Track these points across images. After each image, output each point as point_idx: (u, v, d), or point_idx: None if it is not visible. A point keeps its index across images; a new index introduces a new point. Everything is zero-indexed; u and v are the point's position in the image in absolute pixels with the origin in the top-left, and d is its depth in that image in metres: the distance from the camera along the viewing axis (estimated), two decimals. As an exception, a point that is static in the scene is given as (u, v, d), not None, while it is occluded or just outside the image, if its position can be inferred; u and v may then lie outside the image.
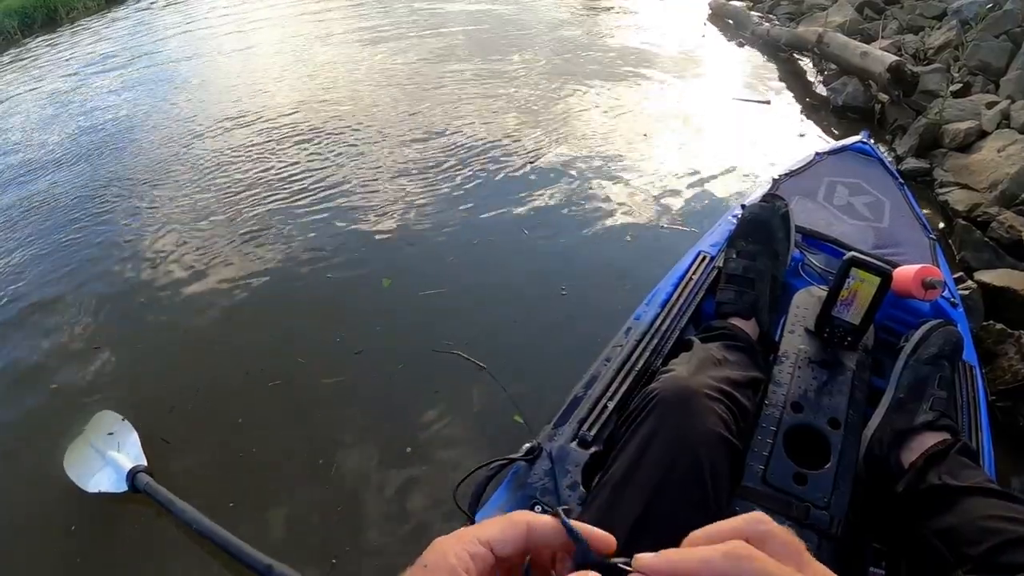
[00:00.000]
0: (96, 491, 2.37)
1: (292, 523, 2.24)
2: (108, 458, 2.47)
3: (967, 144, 3.64)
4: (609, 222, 3.51)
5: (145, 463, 2.42)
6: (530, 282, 3.17)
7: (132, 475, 2.34)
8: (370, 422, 2.57)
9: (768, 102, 5.03)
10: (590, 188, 3.83)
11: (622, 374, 1.39)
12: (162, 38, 9.34)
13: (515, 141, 4.45)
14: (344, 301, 3.22)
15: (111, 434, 2.60)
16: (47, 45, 10.25)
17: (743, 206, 1.81)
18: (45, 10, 11.93)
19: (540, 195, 3.80)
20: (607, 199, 3.72)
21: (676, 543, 1.02)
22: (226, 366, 2.96)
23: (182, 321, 3.29)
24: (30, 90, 7.91)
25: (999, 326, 2.36)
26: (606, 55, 6.06)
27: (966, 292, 2.54)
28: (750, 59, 5.97)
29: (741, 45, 6.32)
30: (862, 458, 1.24)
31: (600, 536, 0.47)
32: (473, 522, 1.16)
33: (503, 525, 0.45)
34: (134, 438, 2.55)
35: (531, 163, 4.14)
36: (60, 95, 7.44)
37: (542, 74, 5.68)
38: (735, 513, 1.08)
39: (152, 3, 11.89)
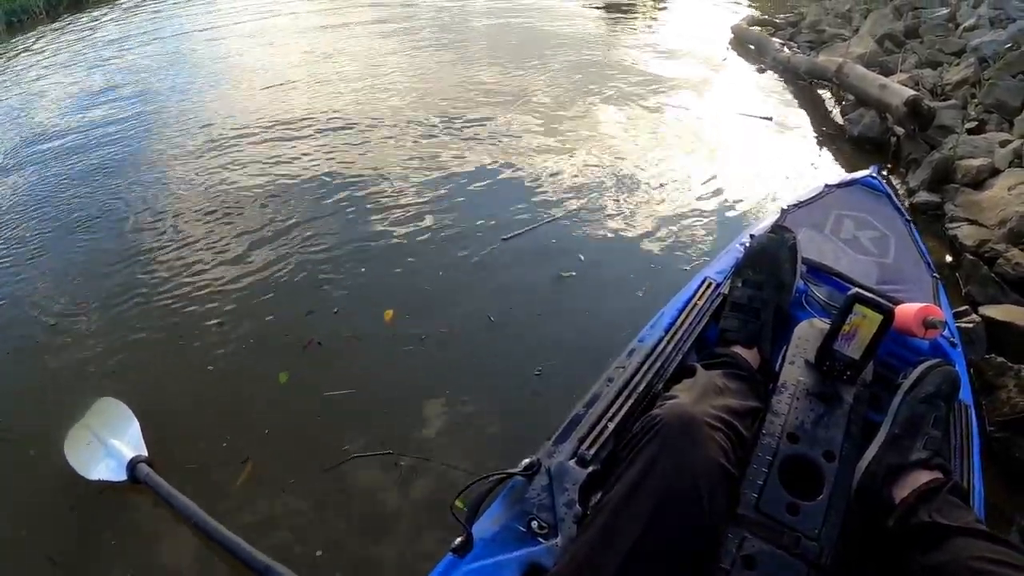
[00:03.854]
0: (96, 479, 2.37)
1: (289, 520, 2.24)
2: (109, 446, 2.47)
3: (979, 181, 3.65)
4: (616, 239, 3.54)
5: (146, 453, 2.43)
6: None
7: (132, 465, 2.34)
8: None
9: (770, 118, 5.07)
10: (599, 205, 3.86)
11: (623, 395, 1.40)
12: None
13: (531, 158, 4.48)
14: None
15: (112, 422, 2.60)
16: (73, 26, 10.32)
17: (752, 235, 1.83)
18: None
19: (546, 210, 3.83)
20: (615, 217, 3.74)
21: (672, 568, 1.05)
22: (232, 360, 2.99)
23: (187, 314, 3.32)
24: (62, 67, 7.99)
25: (1000, 359, 2.39)
26: (624, 75, 6.07)
27: (970, 325, 2.58)
28: (769, 85, 5.99)
29: (761, 71, 6.33)
30: (854, 491, 1.25)
31: None
32: (470, 535, 1.18)
33: None
34: (135, 427, 2.55)
35: (537, 180, 4.19)
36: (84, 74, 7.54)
37: (559, 92, 5.69)
38: (728, 540, 1.11)
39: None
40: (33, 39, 10.13)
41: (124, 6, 11.43)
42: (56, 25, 10.93)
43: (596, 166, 4.31)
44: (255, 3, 10.29)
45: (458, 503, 1.22)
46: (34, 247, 4.30)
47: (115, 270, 3.79)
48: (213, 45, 8.51)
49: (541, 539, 1.18)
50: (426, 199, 4.02)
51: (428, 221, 3.78)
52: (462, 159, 4.49)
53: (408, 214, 3.86)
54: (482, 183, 4.16)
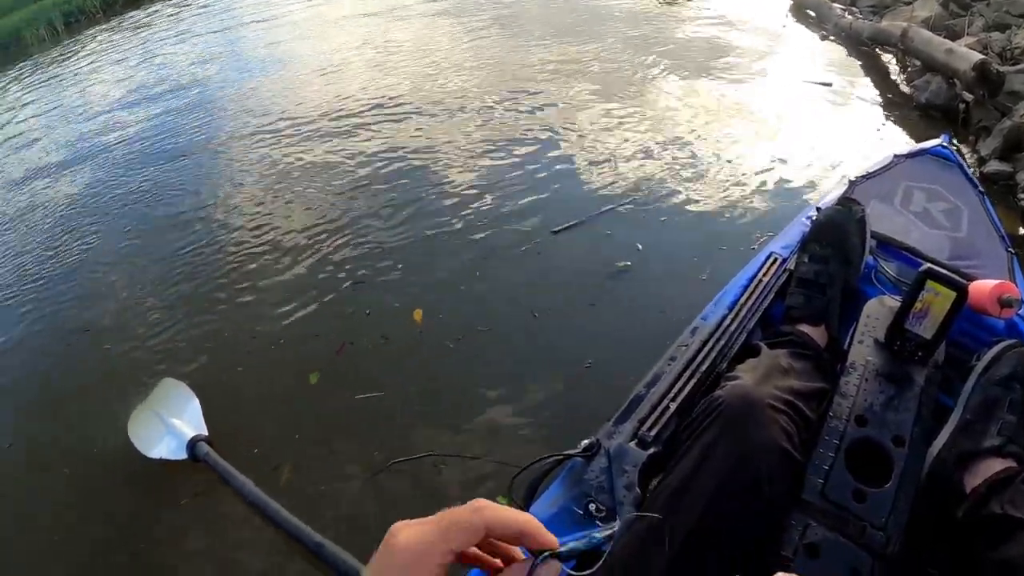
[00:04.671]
0: (157, 457, 2.45)
1: (345, 504, 2.27)
2: (170, 425, 2.55)
3: (1053, 149, 3.47)
4: (678, 214, 3.45)
5: (206, 432, 2.50)
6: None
7: (192, 444, 2.42)
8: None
9: (830, 84, 4.91)
10: (658, 188, 3.74)
11: (686, 375, 1.36)
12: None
13: (585, 141, 4.38)
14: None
15: (174, 402, 2.68)
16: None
17: (818, 208, 1.76)
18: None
19: (607, 184, 3.76)
20: (676, 190, 3.65)
21: (731, 554, 1.01)
22: (289, 348, 3.05)
23: (251, 300, 3.41)
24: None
25: None
26: (681, 47, 5.92)
27: None
28: (831, 52, 5.79)
29: (823, 38, 6.13)
30: (923, 479, 1.19)
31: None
32: None
33: (467, 532, 0.47)
34: (196, 407, 2.62)
35: (592, 165, 4.07)
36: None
37: (614, 69, 5.59)
38: (791, 527, 1.07)
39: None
40: (92, 37, 10.39)
41: (175, 1, 11.59)
42: (113, 23, 11.18)
43: (653, 146, 4.19)
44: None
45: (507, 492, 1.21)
46: (97, 232, 4.44)
47: (174, 257, 3.95)
48: (267, 32, 8.64)
49: (599, 523, 1.15)
50: (472, 189, 3.96)
51: (474, 213, 3.72)
52: (512, 144, 4.42)
53: (453, 205, 3.83)
54: (533, 169, 4.08)
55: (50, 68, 11.10)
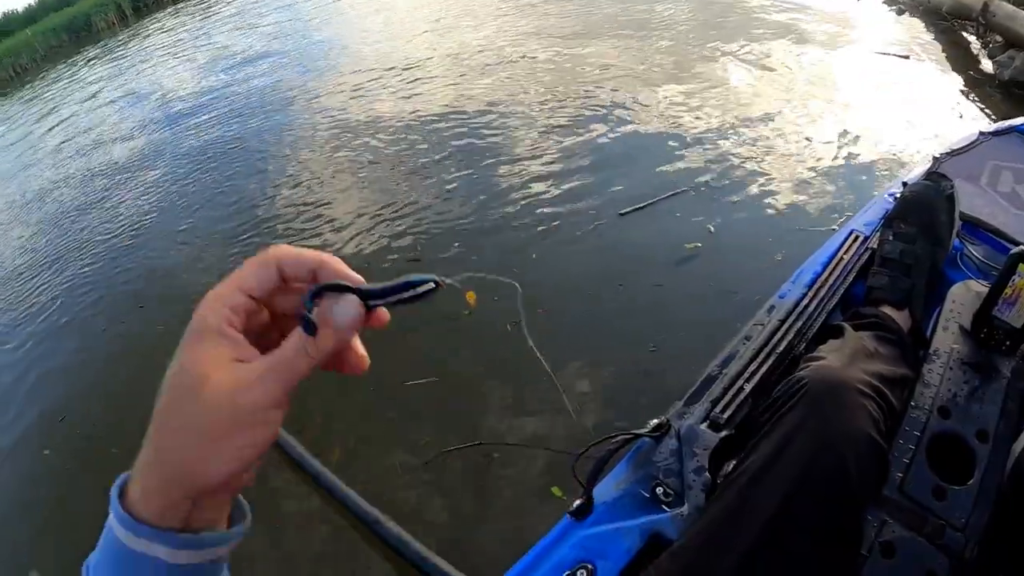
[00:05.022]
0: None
1: (395, 493, 2.23)
2: None
3: None
4: (751, 194, 3.34)
5: None
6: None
7: None
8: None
9: (907, 56, 4.73)
10: (731, 168, 3.62)
11: (762, 355, 1.32)
12: None
13: (654, 120, 4.27)
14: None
15: None
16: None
17: (904, 183, 1.68)
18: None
19: (677, 164, 3.66)
20: (749, 170, 3.54)
21: (810, 551, 0.96)
22: None
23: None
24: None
25: None
26: (753, 21, 5.77)
27: None
28: (908, 26, 5.59)
29: (901, 12, 5.91)
30: (1007, 477, 1.11)
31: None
32: (590, 498, 1.13)
33: (255, 268, 0.46)
34: None
35: (661, 144, 3.95)
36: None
37: (686, 36, 5.50)
38: (867, 522, 1.01)
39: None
40: (160, 20, 10.61)
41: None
42: (180, 5, 11.35)
43: (725, 123, 4.07)
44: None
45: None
46: (175, 197, 4.59)
47: (245, 229, 4.09)
48: (331, 8, 8.63)
49: (666, 507, 1.12)
50: (536, 166, 3.88)
51: (536, 192, 3.65)
52: (579, 121, 4.33)
53: (515, 182, 3.77)
54: (600, 146, 3.98)
55: (120, 50, 11.42)
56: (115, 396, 3.10)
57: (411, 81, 5.49)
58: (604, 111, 4.36)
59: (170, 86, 8.30)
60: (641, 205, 3.30)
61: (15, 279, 4.83)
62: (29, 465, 2.95)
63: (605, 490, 1.16)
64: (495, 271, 2.93)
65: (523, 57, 5.47)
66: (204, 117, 6.65)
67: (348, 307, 0.45)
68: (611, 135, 4.04)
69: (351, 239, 3.57)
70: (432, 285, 0.50)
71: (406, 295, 0.48)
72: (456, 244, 3.32)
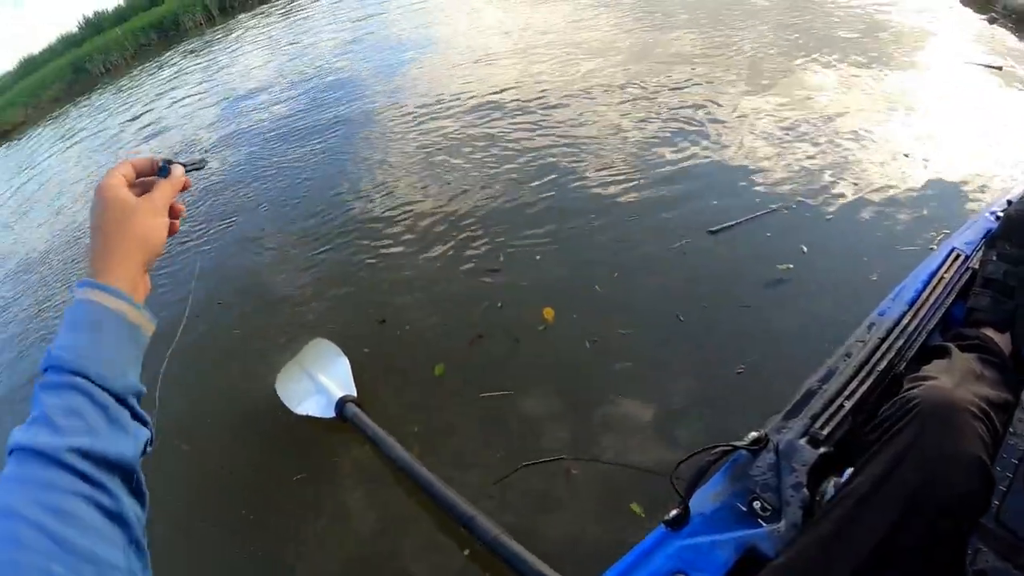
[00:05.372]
0: (304, 414, 2.53)
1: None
2: (319, 384, 2.62)
3: None
4: (845, 212, 3.18)
5: (355, 393, 2.53)
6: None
7: (341, 404, 2.45)
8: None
9: (1000, 67, 4.57)
10: (824, 185, 3.45)
11: (862, 373, 1.30)
12: None
13: (743, 133, 4.08)
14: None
15: (324, 361, 2.74)
16: None
17: (1009, 202, 1.64)
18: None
19: (768, 181, 3.52)
20: (842, 187, 3.38)
21: (921, 566, 0.94)
22: (422, 333, 3.01)
23: (391, 276, 3.46)
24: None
25: None
26: (838, 29, 5.56)
27: None
28: (1001, 36, 5.41)
29: (992, 21, 5.73)
30: None
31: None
32: (687, 508, 1.14)
33: (125, 167, 0.76)
34: (346, 367, 2.66)
35: (751, 160, 3.76)
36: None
37: (769, 46, 5.37)
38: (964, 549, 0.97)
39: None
40: (245, 22, 10.93)
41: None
42: (265, 8, 11.64)
43: (816, 138, 3.88)
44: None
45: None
46: (260, 195, 4.72)
47: (327, 228, 4.12)
48: (412, 15, 8.75)
49: (763, 521, 1.11)
50: (620, 180, 3.75)
51: (619, 207, 3.51)
52: (664, 133, 4.19)
53: (598, 196, 3.66)
54: (687, 161, 3.83)
55: (209, 50, 11.80)
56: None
57: (496, 92, 5.48)
58: (689, 123, 4.25)
59: (254, 85, 8.53)
60: (731, 224, 3.15)
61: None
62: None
63: (701, 501, 1.17)
64: (577, 287, 2.96)
65: (606, 73, 5.40)
66: (288, 116, 6.81)
67: (178, 168, 0.80)
68: (698, 148, 3.92)
69: (434, 243, 3.58)
70: (205, 165, 0.91)
71: (193, 167, 0.85)
72: (538, 257, 3.25)
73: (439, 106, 5.46)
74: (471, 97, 5.47)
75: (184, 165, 0.82)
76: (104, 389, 0.63)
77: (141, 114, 10.13)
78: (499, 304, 2.98)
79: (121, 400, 0.64)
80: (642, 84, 4.95)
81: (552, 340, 2.72)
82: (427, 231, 3.68)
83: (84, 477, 0.57)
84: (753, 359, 2.41)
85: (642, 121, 4.36)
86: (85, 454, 0.58)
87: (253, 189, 5.16)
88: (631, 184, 3.65)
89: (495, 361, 2.70)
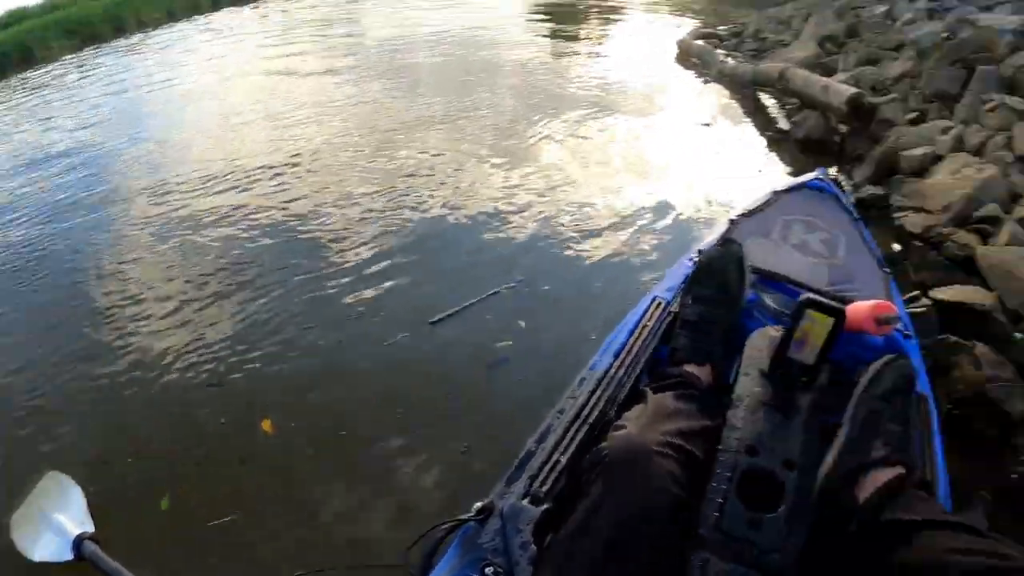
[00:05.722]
0: (40, 559, 2.25)
1: None
2: (53, 523, 2.33)
3: (923, 169, 3.71)
4: (564, 280, 3.35)
5: (92, 529, 2.29)
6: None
7: (78, 542, 2.22)
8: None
9: (708, 124, 5.13)
10: (544, 255, 3.61)
11: (575, 426, 1.35)
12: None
13: (471, 207, 4.21)
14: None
15: (56, 497, 2.46)
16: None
17: (699, 251, 1.80)
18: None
19: (489, 261, 3.60)
20: (562, 262, 3.53)
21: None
22: (177, 428, 2.84)
23: (131, 381, 3.20)
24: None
25: (954, 339, 2.45)
26: (570, 98, 6.06)
27: (922, 310, 2.61)
28: (715, 95, 6.04)
29: (707, 82, 6.39)
30: (815, 498, 1.20)
31: None
32: None
33: None
34: (80, 501, 2.42)
35: (478, 237, 3.87)
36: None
37: (502, 114, 5.69)
38: (692, 566, 1.06)
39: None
40: None
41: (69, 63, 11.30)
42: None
43: (538, 206, 4.07)
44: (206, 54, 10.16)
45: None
46: None
47: (59, 331, 3.70)
48: (151, 95, 8.42)
49: None
50: (336, 271, 3.65)
51: (334, 302, 3.41)
52: (387, 215, 4.18)
53: (312, 292, 3.51)
54: (408, 246, 3.81)
55: None
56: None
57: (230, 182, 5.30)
58: (412, 204, 4.28)
59: None
60: (451, 312, 3.15)
61: None
62: None
63: None
64: (291, 395, 2.86)
65: (330, 145, 5.46)
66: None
67: None
68: (419, 233, 3.94)
69: (163, 362, 3.24)
70: None
71: None
72: (259, 365, 3.08)
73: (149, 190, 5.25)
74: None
75: None
76: None
77: None
78: (222, 420, 2.79)
79: None
80: (381, 154, 5.11)
81: (274, 452, 2.62)
82: (156, 350, 3.37)
83: None
84: (475, 440, 2.43)
85: (365, 198, 4.46)
86: None
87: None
88: (356, 277, 3.61)
89: (221, 482, 2.55)
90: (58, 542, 2.26)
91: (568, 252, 3.54)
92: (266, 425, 2.68)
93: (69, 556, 2.20)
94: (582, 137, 5.08)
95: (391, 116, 6.06)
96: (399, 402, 2.67)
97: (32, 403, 3.21)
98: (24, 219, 5.31)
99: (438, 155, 5.01)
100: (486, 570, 1.13)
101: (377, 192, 4.52)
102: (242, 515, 2.33)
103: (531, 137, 5.13)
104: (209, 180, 5.21)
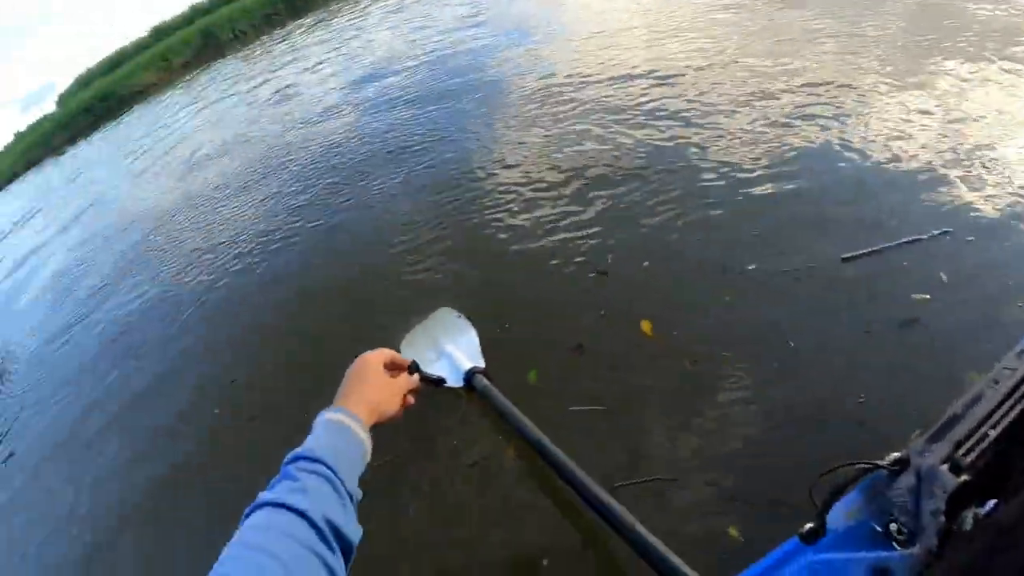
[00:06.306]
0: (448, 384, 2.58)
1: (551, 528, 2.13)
2: (445, 352, 2.69)
3: None
4: (997, 239, 2.74)
5: (483, 365, 2.57)
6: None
7: (470, 375, 2.49)
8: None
9: None
10: (972, 187, 3.01)
11: (1011, 400, 1.26)
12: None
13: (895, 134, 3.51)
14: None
15: (452, 331, 2.80)
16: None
17: None
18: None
19: (912, 203, 3.04)
20: (992, 212, 2.88)
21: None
22: (554, 307, 2.98)
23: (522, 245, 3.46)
24: None
25: None
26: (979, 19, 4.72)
27: None
28: None
29: None
30: None
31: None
32: (823, 523, 1.15)
33: (384, 359, 1.09)
34: (475, 339, 2.71)
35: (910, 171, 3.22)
36: None
37: (913, 36, 4.68)
38: None
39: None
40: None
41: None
42: None
43: (966, 148, 3.27)
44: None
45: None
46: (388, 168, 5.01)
47: (456, 196, 4.22)
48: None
49: (896, 545, 1.11)
50: (748, 190, 3.34)
51: (742, 223, 3.12)
52: (798, 139, 3.67)
53: (721, 208, 3.27)
54: (824, 174, 3.32)
55: (336, 21, 12.13)
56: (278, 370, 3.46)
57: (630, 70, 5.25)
58: (826, 132, 3.66)
59: (382, 55, 8.90)
60: (865, 251, 2.77)
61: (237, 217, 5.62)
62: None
63: (835, 517, 1.17)
64: (681, 303, 2.76)
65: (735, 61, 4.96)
66: (416, 84, 7.02)
67: (415, 376, 1.14)
68: (838, 162, 3.39)
69: (543, 235, 3.51)
70: (444, 384, 1.40)
71: (430, 381, 1.24)
72: (646, 264, 3.03)
73: (570, 84, 5.35)
74: (593, 75, 5.34)
75: (423, 377, 1.20)
76: (343, 485, 0.84)
77: (267, 80, 10.84)
78: (602, 312, 2.83)
79: (351, 498, 0.85)
80: (777, 80, 4.47)
81: (651, 356, 2.56)
82: (541, 222, 3.64)
83: (326, 540, 0.75)
84: (873, 392, 2.20)
85: (774, 124, 3.89)
86: (331, 523, 0.76)
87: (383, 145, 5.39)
88: (760, 196, 3.28)
89: (590, 372, 2.59)
90: (451, 370, 2.59)
91: (998, 213, 2.87)
92: (646, 327, 2.69)
93: (459, 384, 2.52)
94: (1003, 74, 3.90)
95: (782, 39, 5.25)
96: (793, 331, 2.50)
97: (437, 247, 3.75)
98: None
99: (839, 83, 4.22)
100: (891, 526, 1.13)
101: (775, 107, 4.08)
102: (605, 410, 2.41)
103: (941, 72, 4.07)
104: (620, 78, 5.25)
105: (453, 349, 2.69)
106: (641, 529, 1.77)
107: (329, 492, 0.81)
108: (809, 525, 1.15)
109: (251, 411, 3.23)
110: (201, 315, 4.42)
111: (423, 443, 2.53)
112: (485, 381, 2.48)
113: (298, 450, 0.87)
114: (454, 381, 2.54)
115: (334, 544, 0.76)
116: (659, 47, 5.53)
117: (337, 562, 0.75)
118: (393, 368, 1.11)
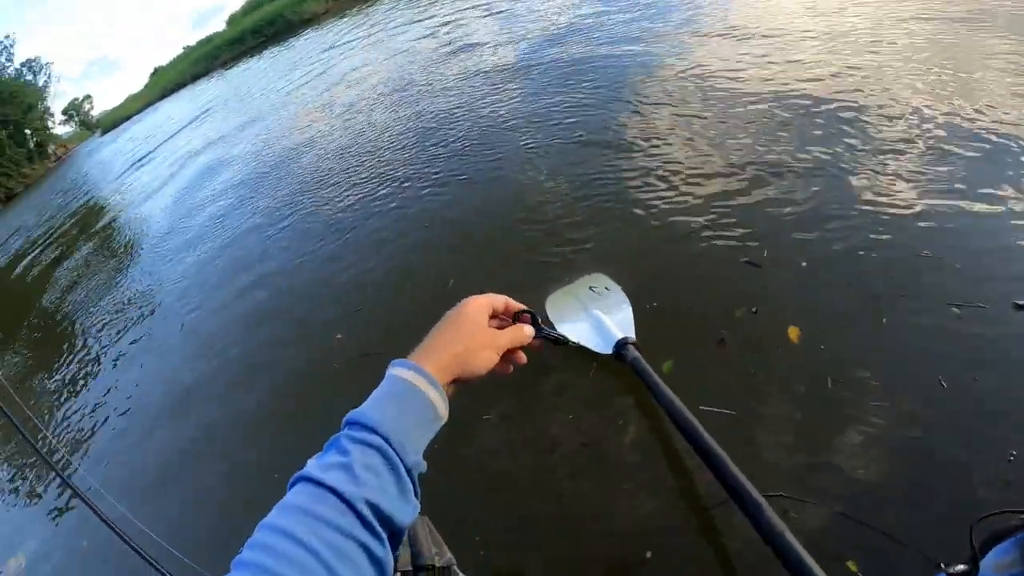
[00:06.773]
0: (577, 343, 2.56)
1: (672, 532, 2.10)
2: (594, 317, 2.70)
3: None
4: None
5: (634, 337, 2.55)
6: None
7: (622, 344, 2.49)
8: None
9: None
10: None
11: None
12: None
13: None
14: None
15: (604, 298, 2.80)
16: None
17: None
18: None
19: None
20: None
21: None
22: (688, 297, 2.92)
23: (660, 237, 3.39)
24: None
25: None
26: None
27: None
28: None
29: None
30: None
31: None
32: (976, 567, 1.13)
33: (490, 305, 0.94)
34: (628, 310, 2.70)
35: None
36: None
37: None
38: None
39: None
40: None
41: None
42: None
43: None
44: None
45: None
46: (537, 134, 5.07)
47: (602, 166, 4.23)
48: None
49: None
50: (917, 208, 3.03)
51: (914, 237, 2.87)
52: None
53: (895, 219, 3.00)
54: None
55: None
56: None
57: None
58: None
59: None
60: None
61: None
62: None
63: (987, 563, 1.14)
64: (834, 315, 2.60)
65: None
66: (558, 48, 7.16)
67: (528, 327, 0.96)
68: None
69: (697, 217, 3.41)
70: (567, 343, 1.07)
71: (549, 337, 1.01)
72: (803, 265, 2.87)
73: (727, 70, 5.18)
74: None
75: (541, 332, 0.99)
76: (399, 457, 0.76)
77: (445, 22, 10.99)
78: (753, 309, 2.75)
79: (408, 472, 0.77)
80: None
81: (792, 366, 2.46)
82: (694, 202, 3.57)
83: (368, 526, 0.70)
84: None
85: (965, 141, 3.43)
86: (375, 508, 0.71)
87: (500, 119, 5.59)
88: (925, 208, 3.02)
89: (728, 370, 2.53)
90: (600, 337, 2.61)
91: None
92: (793, 333, 2.58)
93: (608, 351, 2.54)
94: None
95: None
96: (947, 372, 2.29)
97: (593, 210, 3.78)
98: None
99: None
100: None
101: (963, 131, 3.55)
102: (739, 414, 2.35)
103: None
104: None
105: (602, 315, 2.69)
106: (791, 538, 1.72)
107: (380, 467, 0.74)
108: (961, 567, 1.15)
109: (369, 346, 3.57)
110: (351, 242, 4.84)
111: (533, 403, 2.63)
112: (636, 353, 2.46)
113: (355, 413, 0.79)
114: (601, 348, 2.55)
115: (379, 529, 0.72)
116: (840, 56, 5.03)
117: (382, 548, 0.71)
118: (504, 316, 0.97)
